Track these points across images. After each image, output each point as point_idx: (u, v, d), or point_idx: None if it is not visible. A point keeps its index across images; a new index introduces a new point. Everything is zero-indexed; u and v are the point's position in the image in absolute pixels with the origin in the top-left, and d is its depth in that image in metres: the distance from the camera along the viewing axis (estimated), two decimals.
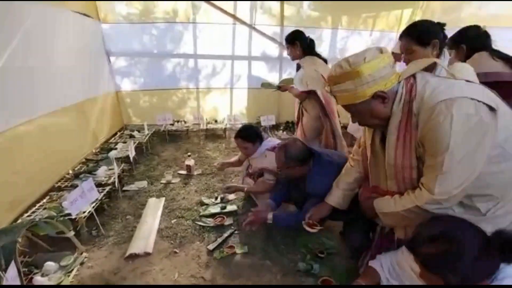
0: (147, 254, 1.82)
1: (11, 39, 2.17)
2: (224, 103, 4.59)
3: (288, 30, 4.29)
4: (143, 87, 4.32)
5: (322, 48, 4.59)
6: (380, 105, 1.02)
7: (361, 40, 4.68)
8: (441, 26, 1.46)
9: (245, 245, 1.90)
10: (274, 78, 4.55)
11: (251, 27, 4.21)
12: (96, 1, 3.70)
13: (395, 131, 1.04)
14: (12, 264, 1.28)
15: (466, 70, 1.40)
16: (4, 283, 1.22)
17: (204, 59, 4.33)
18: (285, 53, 4.41)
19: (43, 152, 2.43)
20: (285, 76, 4.60)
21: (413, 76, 1.02)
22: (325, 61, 2.50)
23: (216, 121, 4.45)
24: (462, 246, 0.81)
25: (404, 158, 1.04)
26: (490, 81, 1.52)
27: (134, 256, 1.79)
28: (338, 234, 1.96)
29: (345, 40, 4.69)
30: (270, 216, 1.79)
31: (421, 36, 1.42)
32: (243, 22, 4.16)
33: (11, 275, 1.27)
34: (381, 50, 1.00)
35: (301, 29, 4.32)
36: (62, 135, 2.75)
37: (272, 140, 2.21)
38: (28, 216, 1.94)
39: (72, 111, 2.99)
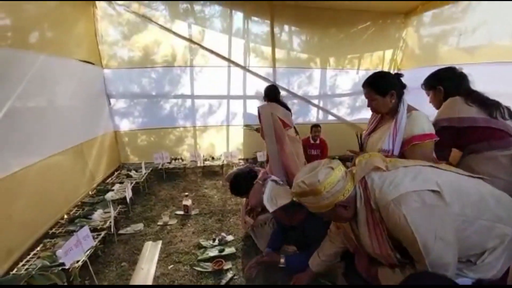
0: None
1: (16, 87, 2.27)
2: (220, 140, 4.70)
3: (280, 71, 4.67)
4: (141, 127, 4.44)
5: (312, 86, 4.88)
6: (343, 210, 1.14)
7: (348, 78, 4.99)
8: (398, 76, 1.59)
9: None
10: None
11: (245, 69, 4.48)
12: (99, 48, 3.95)
13: (365, 226, 1.14)
14: None
15: (421, 120, 1.49)
16: None
17: (201, 99, 4.53)
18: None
19: (38, 197, 2.41)
20: None
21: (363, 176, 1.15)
22: (286, 105, 3.00)
23: (213, 158, 4.51)
24: None
25: (381, 248, 1.12)
26: (464, 126, 1.61)
27: None
28: (341, 275, 1.90)
29: (334, 78, 4.99)
30: (282, 260, 1.77)
31: (379, 87, 1.55)
32: (237, 65, 4.44)
33: None
34: (332, 167, 1.12)
35: (291, 69, 4.75)
36: (58, 178, 2.75)
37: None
38: (22, 265, 1.88)
39: (70, 153, 3.02)
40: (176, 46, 4.24)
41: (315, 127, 4.40)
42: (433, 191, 1.02)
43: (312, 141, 4.44)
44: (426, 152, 1.46)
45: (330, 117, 5.00)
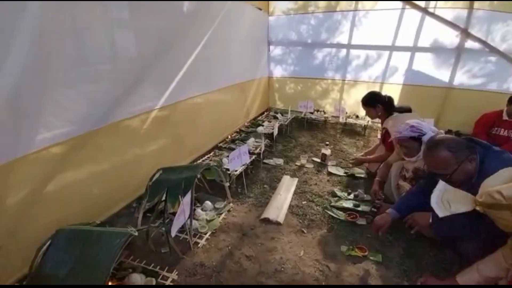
0: (277, 223, 1.95)
1: (208, 27, 2.74)
2: None
3: (478, 14, 3.39)
4: (291, 75, 4.62)
5: None
6: None
7: None
8: None
9: (379, 253, 1.68)
10: (443, 75, 3.71)
11: (425, 11, 3.53)
12: None
13: None
14: (189, 193, 1.67)
15: None
16: (180, 206, 1.59)
17: (357, 49, 4.08)
18: (467, 43, 3.50)
19: (213, 117, 3.06)
20: (461, 73, 3.64)
21: None
22: (409, 110, 2.38)
23: (357, 116, 4.16)
24: None
25: None
26: None
27: (267, 220, 1.97)
28: None
29: None
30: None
31: None
32: (416, 6, 3.55)
33: (187, 201, 1.64)
34: None
35: (499, 13, 3.33)
36: (226, 107, 3.37)
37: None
38: (199, 162, 2.51)
39: (236, 89, 3.58)
40: None
41: None
42: None
43: (505, 117, 3.17)
44: None
45: None
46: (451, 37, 3.55)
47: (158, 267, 1.57)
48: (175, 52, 2.33)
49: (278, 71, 4.68)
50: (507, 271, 1.19)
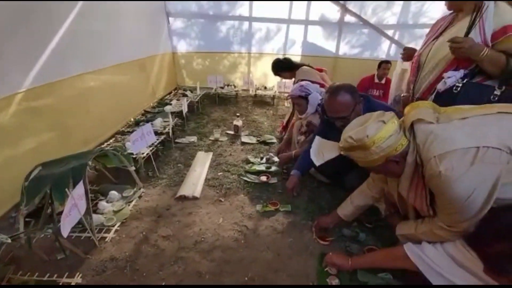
0: (194, 198, 1.92)
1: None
2: None
3: None
4: (197, 49, 4.42)
5: (391, 13, 4.06)
6: (395, 165, 1.07)
7: (442, 3, 4.00)
8: None
9: (288, 203, 1.89)
10: (331, 46, 4.24)
11: None
12: None
13: (408, 180, 1.09)
14: (80, 184, 1.43)
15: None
16: (69, 200, 1.34)
17: (258, 22, 4.20)
18: (346, 18, 4.05)
19: (111, 101, 2.68)
20: (343, 44, 4.24)
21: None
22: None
23: (265, 87, 4.38)
24: None
25: (415, 201, 1.11)
26: None
27: (183, 198, 1.92)
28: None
29: (421, 3, 4.05)
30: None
31: None
32: None
33: (78, 193, 1.39)
34: (383, 120, 1.02)
35: None
36: (126, 88, 2.98)
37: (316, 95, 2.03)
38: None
39: (135, 66, 3.19)
40: None
41: (385, 63, 3.80)
42: (491, 148, 0.87)
43: (376, 80, 3.92)
44: None
45: None
46: (334, 12, 4.04)
47: (56, 275, 1.34)
48: (36, 22, 1.85)
49: (182, 46, 4.40)
50: (373, 199, 1.50)
